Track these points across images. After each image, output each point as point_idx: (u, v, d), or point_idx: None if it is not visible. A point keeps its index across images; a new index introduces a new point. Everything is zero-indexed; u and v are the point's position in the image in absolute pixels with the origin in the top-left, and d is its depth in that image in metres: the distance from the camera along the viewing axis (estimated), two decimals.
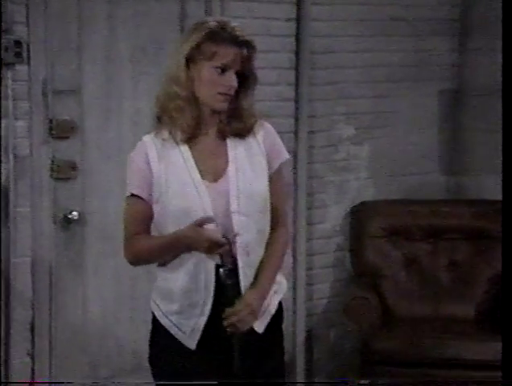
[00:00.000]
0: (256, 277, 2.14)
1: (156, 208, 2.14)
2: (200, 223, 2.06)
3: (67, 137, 3.34)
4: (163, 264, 2.17)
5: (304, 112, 3.96)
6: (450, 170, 4.41)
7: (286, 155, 2.24)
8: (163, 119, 2.14)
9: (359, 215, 4.11)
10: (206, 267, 2.12)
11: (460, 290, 3.88)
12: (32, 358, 3.31)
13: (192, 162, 2.13)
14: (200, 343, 2.14)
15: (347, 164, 4.18)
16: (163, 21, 3.53)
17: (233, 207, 2.11)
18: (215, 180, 2.13)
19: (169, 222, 2.12)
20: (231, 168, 2.14)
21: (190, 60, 2.11)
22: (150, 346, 2.22)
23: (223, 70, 2.11)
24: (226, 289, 2.11)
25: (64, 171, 3.32)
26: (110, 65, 3.43)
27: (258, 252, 2.16)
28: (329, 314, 4.10)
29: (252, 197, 2.14)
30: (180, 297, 2.14)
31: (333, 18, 4.02)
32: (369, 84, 4.20)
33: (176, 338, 2.15)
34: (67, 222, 3.35)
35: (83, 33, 3.35)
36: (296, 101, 3.95)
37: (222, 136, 2.17)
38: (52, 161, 3.31)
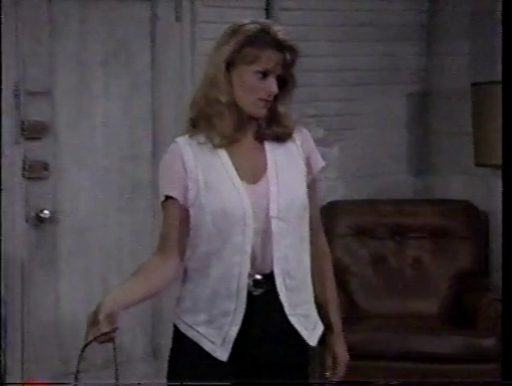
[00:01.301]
0: (326, 315, 2.06)
1: (192, 211, 2.00)
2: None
3: (39, 138, 3.33)
4: (187, 275, 2.03)
5: None
6: (418, 171, 4.42)
7: (322, 163, 2.13)
8: (199, 123, 2.01)
9: (327, 214, 4.09)
10: (239, 273, 1.98)
11: (424, 287, 3.88)
12: (4, 354, 3.29)
13: (230, 164, 2.00)
14: (231, 355, 1.98)
15: None
16: (134, 25, 3.53)
17: (273, 212, 1.98)
18: (254, 182, 2.01)
19: (207, 225, 1.98)
20: (270, 171, 2.02)
21: (230, 64, 1.98)
22: (173, 362, 2.04)
23: (264, 75, 1.98)
24: (255, 300, 1.97)
25: (35, 171, 3.31)
26: (82, 68, 3.42)
27: (297, 259, 2.01)
28: None
29: (292, 202, 2.01)
30: (208, 306, 1.99)
31: (302, 24, 4.01)
32: (338, 88, 4.20)
33: (205, 351, 1.99)
34: (39, 221, 3.34)
35: (55, 36, 3.34)
36: None
37: (260, 139, 2.05)
38: (24, 161, 3.30)
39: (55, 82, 3.36)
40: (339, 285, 3.85)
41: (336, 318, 2.12)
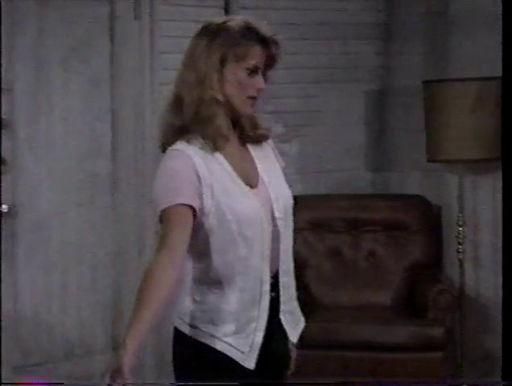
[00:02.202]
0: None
1: (208, 220, 1.90)
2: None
3: None
4: (205, 288, 1.92)
5: None
6: (375, 167, 4.46)
7: (282, 163, 2.10)
8: (191, 128, 1.92)
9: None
10: (261, 278, 1.93)
11: (378, 279, 3.92)
12: None
13: (231, 169, 1.94)
14: (258, 362, 1.93)
15: None
16: (93, 23, 3.52)
17: (278, 213, 1.95)
18: (254, 186, 1.96)
19: (232, 232, 1.90)
20: (262, 174, 1.98)
21: (222, 63, 1.92)
22: (201, 375, 1.92)
23: (252, 71, 1.94)
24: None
25: None
26: (41, 64, 3.42)
27: (291, 258, 2.01)
28: None
29: (286, 202, 2.00)
30: (237, 316, 1.92)
31: None
32: (297, 85, 4.22)
33: (233, 360, 1.92)
34: None
35: (13, 33, 3.33)
36: None
37: (243, 142, 2.00)
38: None
39: (14, 79, 3.35)
40: (296, 278, 3.93)
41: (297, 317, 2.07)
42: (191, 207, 1.88)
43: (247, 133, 1.98)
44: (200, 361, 1.92)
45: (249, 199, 1.92)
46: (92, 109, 3.59)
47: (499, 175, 3.86)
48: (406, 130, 4.33)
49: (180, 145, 1.92)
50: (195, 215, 1.89)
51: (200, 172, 1.90)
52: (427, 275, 3.90)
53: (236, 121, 1.96)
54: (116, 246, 3.68)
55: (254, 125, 1.99)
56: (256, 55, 1.93)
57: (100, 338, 3.70)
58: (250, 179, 1.96)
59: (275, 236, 1.94)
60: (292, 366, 2.06)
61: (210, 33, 1.95)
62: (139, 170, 3.72)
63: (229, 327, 1.92)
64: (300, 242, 4.03)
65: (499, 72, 3.76)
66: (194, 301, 1.93)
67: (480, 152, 3.71)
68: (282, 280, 1.97)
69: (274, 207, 1.95)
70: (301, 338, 2.05)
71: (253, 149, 2.01)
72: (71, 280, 3.46)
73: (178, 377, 1.96)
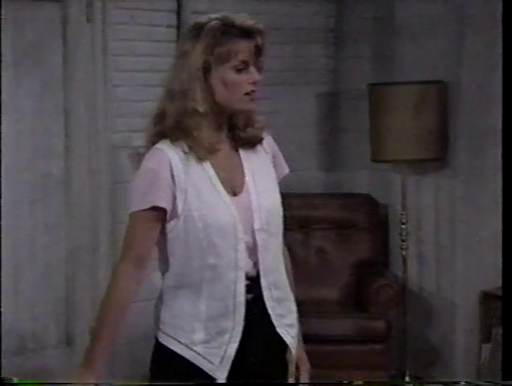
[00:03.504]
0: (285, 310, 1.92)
1: (177, 224, 1.83)
2: None
3: None
4: (175, 292, 1.87)
5: None
6: (327, 167, 4.51)
7: (287, 169, 2.02)
8: (175, 133, 1.84)
9: None
10: (236, 289, 1.85)
11: (326, 275, 3.98)
12: None
13: (214, 175, 1.86)
14: (230, 374, 1.85)
15: None
16: (45, 25, 3.53)
17: (257, 224, 1.85)
18: (236, 194, 1.87)
19: (199, 238, 1.83)
20: (249, 181, 1.88)
21: (205, 70, 1.83)
22: (169, 381, 1.86)
23: (241, 68, 1.85)
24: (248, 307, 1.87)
25: None
26: None
27: (278, 269, 1.92)
28: None
29: (272, 213, 1.89)
30: (207, 325, 1.84)
31: None
32: None
33: (202, 371, 1.84)
34: None
35: None
36: None
37: (235, 146, 1.90)
38: None
39: None
40: None
41: (297, 324, 1.99)
42: (162, 209, 1.82)
43: (239, 133, 1.90)
44: (170, 368, 1.86)
45: (225, 206, 1.84)
46: (44, 110, 3.60)
47: (441, 175, 3.94)
48: (355, 131, 4.39)
49: (162, 145, 1.85)
50: (165, 218, 1.83)
51: (176, 173, 1.83)
52: (373, 271, 3.96)
53: (230, 121, 1.88)
54: (69, 243, 3.69)
55: (247, 124, 1.91)
56: (241, 51, 1.84)
57: (53, 333, 3.70)
58: (234, 187, 1.88)
59: (253, 248, 1.85)
60: (304, 376, 1.98)
61: (191, 38, 1.86)
62: (93, 170, 3.74)
63: (199, 336, 1.85)
64: None
65: (440, 76, 3.84)
66: (166, 305, 1.89)
67: (422, 153, 3.78)
68: (269, 293, 1.88)
69: (255, 216, 1.86)
70: None
71: (245, 155, 1.91)
72: (24, 276, 3.46)
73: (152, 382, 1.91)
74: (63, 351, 3.67)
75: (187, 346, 1.85)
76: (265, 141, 1.96)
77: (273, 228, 1.89)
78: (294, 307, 1.96)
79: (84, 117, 3.66)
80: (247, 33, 1.86)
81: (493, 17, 3.85)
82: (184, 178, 1.83)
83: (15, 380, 3.08)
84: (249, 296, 1.86)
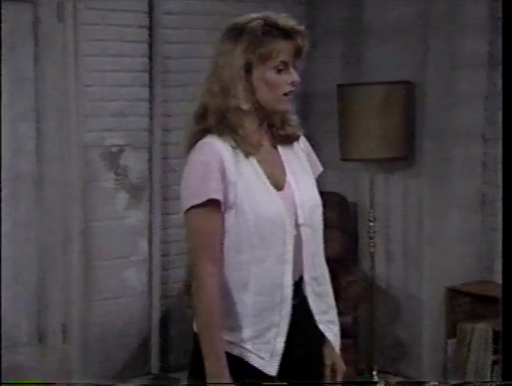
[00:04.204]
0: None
1: (228, 217, 1.81)
2: None
3: None
4: (220, 288, 1.81)
5: (159, 111, 4.00)
6: None
7: (321, 167, 2.02)
8: (220, 128, 1.83)
9: None
10: (282, 283, 1.83)
11: None
12: None
13: (261, 170, 1.85)
14: (281, 368, 1.83)
15: None
16: (17, 24, 3.52)
17: (301, 219, 1.86)
18: (280, 189, 1.87)
19: (250, 232, 1.81)
20: (290, 177, 1.89)
21: (247, 69, 1.83)
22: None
23: (281, 68, 1.85)
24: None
25: None
26: None
27: (320, 265, 1.92)
28: (185, 296, 4.15)
29: (314, 208, 1.92)
30: (254, 320, 1.82)
31: (185, 27, 4.07)
32: None
33: (254, 367, 1.82)
34: None
35: None
36: (150, 102, 3.99)
37: (274, 144, 1.91)
38: None
39: None
40: None
41: (337, 322, 1.97)
42: (217, 201, 1.80)
43: (277, 131, 1.90)
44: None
45: (274, 201, 1.83)
46: (16, 109, 3.59)
47: (408, 173, 3.98)
48: (325, 131, 4.41)
49: (210, 139, 1.84)
50: (220, 210, 1.80)
51: (227, 166, 1.81)
52: (342, 268, 3.98)
53: (268, 119, 1.88)
54: (41, 241, 3.68)
55: (284, 122, 1.90)
56: (282, 52, 1.84)
57: (24, 330, 3.69)
58: (277, 182, 1.87)
59: (298, 243, 1.85)
60: (339, 375, 1.96)
61: (232, 37, 1.87)
62: (65, 169, 3.73)
63: (247, 332, 1.82)
64: None
65: (407, 77, 3.88)
66: None
67: (389, 152, 3.82)
68: (311, 288, 1.87)
69: (299, 212, 1.86)
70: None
71: (283, 152, 1.91)
72: None
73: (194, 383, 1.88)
74: (35, 348, 3.66)
75: (235, 343, 1.82)
76: (301, 139, 1.96)
77: (316, 224, 1.91)
78: (334, 304, 1.93)
79: (56, 116, 3.65)
80: (288, 34, 1.86)
81: (456, 19, 3.91)
82: (234, 172, 1.82)
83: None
84: (293, 291, 1.84)
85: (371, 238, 3.93)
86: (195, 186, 1.80)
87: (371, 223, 3.93)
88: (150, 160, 4.01)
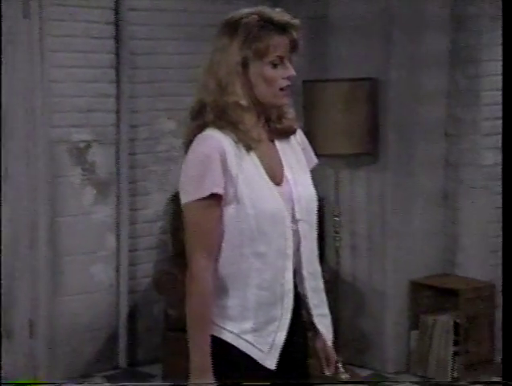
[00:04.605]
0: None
1: (229, 211, 1.80)
2: None
3: None
4: (225, 282, 1.81)
5: (125, 107, 4.00)
6: None
7: (316, 160, 2.01)
8: (220, 123, 1.82)
9: (178, 201, 4.14)
10: (284, 277, 1.82)
11: None
12: None
13: (260, 165, 1.84)
14: (280, 362, 1.83)
15: (169, 155, 4.24)
16: None
17: (298, 214, 1.85)
18: (278, 183, 1.86)
19: (251, 226, 1.80)
20: (287, 172, 1.88)
21: (244, 65, 1.81)
22: (220, 373, 1.82)
23: (277, 63, 1.83)
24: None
25: None
26: None
27: (316, 260, 1.93)
28: (152, 291, 4.15)
29: (310, 204, 1.91)
30: (256, 313, 1.82)
31: (150, 23, 4.06)
32: (188, 84, 4.24)
33: (253, 360, 1.82)
34: None
35: None
36: (117, 98, 3.98)
37: (271, 138, 1.89)
38: None
39: None
40: (184, 265, 3.98)
41: (329, 315, 1.98)
42: (219, 195, 1.78)
43: (274, 125, 1.88)
44: (219, 358, 1.82)
45: (273, 195, 1.82)
46: None
47: (372, 169, 4.01)
48: None
49: (211, 131, 1.81)
50: (220, 204, 1.78)
51: (229, 159, 1.79)
52: None
53: (265, 114, 1.86)
54: (7, 237, 3.65)
55: (281, 116, 1.88)
56: (278, 46, 1.82)
57: None
58: (276, 177, 1.86)
59: (296, 238, 1.84)
60: (333, 368, 1.96)
61: (227, 33, 1.84)
62: (31, 164, 3.71)
63: (248, 325, 1.81)
64: None
65: (370, 74, 3.91)
66: (217, 295, 1.83)
67: (353, 147, 3.85)
68: (309, 283, 1.87)
69: (296, 207, 1.85)
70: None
71: (280, 146, 1.90)
72: None
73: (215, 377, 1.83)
74: (1, 344, 3.63)
75: (237, 334, 1.82)
76: (297, 132, 1.95)
77: (312, 219, 1.89)
78: (325, 298, 1.94)
79: (23, 112, 3.62)
80: (284, 28, 1.83)
81: (419, 17, 3.95)
82: (236, 165, 1.80)
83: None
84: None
85: (337, 232, 3.96)
86: (196, 179, 1.78)
87: (336, 218, 3.96)
88: (117, 156, 4.00)
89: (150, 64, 4.11)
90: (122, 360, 4.02)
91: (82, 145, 3.93)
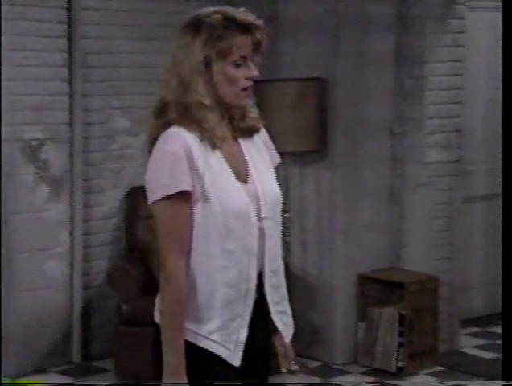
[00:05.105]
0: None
1: (196, 209, 1.77)
2: None
3: None
4: (189, 281, 1.77)
5: (79, 106, 4.00)
6: None
7: (278, 158, 1.99)
8: (185, 122, 1.79)
9: (132, 198, 4.19)
10: (248, 274, 1.81)
11: None
12: None
13: (225, 163, 1.82)
14: (243, 359, 1.81)
15: (123, 153, 4.25)
16: None
17: (264, 212, 1.83)
18: (244, 181, 1.84)
19: (218, 224, 1.77)
20: (252, 170, 1.86)
21: (207, 64, 1.79)
22: (191, 375, 1.78)
23: (240, 63, 1.81)
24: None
25: None
26: None
27: (279, 257, 1.90)
28: (106, 287, 4.16)
29: (275, 201, 1.87)
30: (221, 312, 1.80)
31: (103, 23, 4.07)
32: (142, 83, 4.26)
33: (221, 359, 1.80)
34: None
35: None
36: (70, 96, 3.98)
37: (235, 137, 1.87)
38: None
39: None
40: (138, 261, 3.99)
41: (290, 312, 1.97)
42: (187, 192, 1.76)
43: (237, 124, 1.86)
44: (187, 361, 1.78)
45: (239, 193, 1.81)
46: None
47: (321, 166, 4.08)
48: None
49: (177, 129, 1.78)
50: (190, 202, 1.76)
51: (195, 157, 1.77)
52: None
53: (229, 113, 1.85)
54: None
55: (244, 115, 1.87)
56: (241, 46, 1.80)
57: None
58: (241, 175, 1.84)
59: (261, 235, 1.83)
60: (289, 365, 1.97)
61: (190, 32, 1.81)
62: None
63: (214, 324, 1.79)
64: (144, 229, 4.09)
65: (318, 74, 3.98)
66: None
67: (302, 145, 3.91)
68: (269, 280, 1.85)
69: (262, 205, 1.83)
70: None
71: (244, 144, 1.88)
72: None
73: (158, 374, 1.81)
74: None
75: (203, 336, 1.79)
76: (261, 131, 1.95)
77: (277, 217, 1.88)
78: (287, 295, 1.93)
79: None
80: (248, 29, 1.81)
81: (366, 19, 4.02)
82: (202, 162, 1.78)
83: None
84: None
85: (287, 228, 4.02)
86: (164, 177, 1.75)
87: (286, 214, 4.01)
88: (70, 154, 4.00)
89: (104, 63, 4.12)
90: (76, 355, 4.02)
91: (35, 143, 3.92)
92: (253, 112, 1.90)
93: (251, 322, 1.83)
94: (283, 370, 1.96)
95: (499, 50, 4.55)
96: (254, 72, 1.83)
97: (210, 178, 1.78)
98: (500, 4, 4.49)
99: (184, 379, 1.76)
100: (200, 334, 1.79)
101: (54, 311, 3.99)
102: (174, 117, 1.78)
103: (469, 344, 4.26)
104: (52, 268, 3.99)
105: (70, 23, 3.92)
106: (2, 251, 3.78)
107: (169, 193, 1.74)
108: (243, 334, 1.81)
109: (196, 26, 1.81)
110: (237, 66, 1.81)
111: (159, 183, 1.75)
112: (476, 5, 4.33)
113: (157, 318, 1.81)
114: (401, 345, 3.86)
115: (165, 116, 1.80)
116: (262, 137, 1.94)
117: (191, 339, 1.78)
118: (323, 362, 4.03)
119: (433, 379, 3.83)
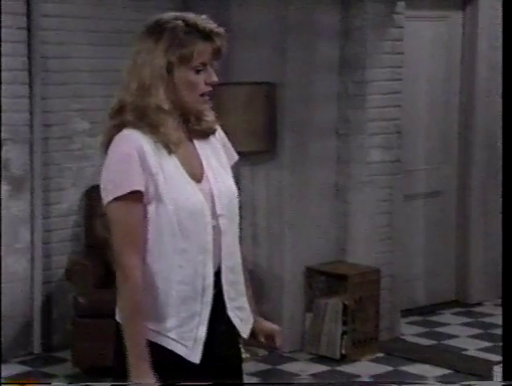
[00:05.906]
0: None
1: (149, 209, 1.78)
2: None
3: None
4: (147, 281, 1.78)
5: (38, 108, 4.07)
6: None
7: (236, 156, 2.00)
8: (140, 124, 1.79)
9: (91, 196, 4.27)
10: (204, 272, 1.81)
11: None
12: None
13: (179, 163, 1.83)
14: (203, 356, 1.81)
15: (83, 153, 4.33)
16: None
17: (219, 210, 1.84)
18: (198, 181, 1.85)
19: (171, 223, 1.78)
20: (207, 170, 1.87)
21: (168, 69, 1.79)
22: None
23: (200, 69, 1.83)
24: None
25: None
26: None
27: (236, 254, 1.90)
28: (66, 281, 4.24)
29: (231, 200, 1.89)
30: (178, 309, 1.80)
31: (62, 29, 4.15)
32: (101, 86, 4.33)
33: (179, 356, 1.80)
34: None
35: None
36: (30, 98, 4.05)
37: (190, 138, 1.88)
38: None
39: None
40: (96, 256, 4.07)
41: (254, 304, 1.99)
42: (140, 192, 1.76)
43: (193, 126, 1.87)
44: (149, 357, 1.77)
45: (193, 192, 1.82)
46: None
47: (271, 166, 4.22)
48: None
49: (130, 131, 1.79)
50: (142, 202, 1.77)
51: (148, 158, 1.78)
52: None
53: (183, 116, 1.85)
54: None
55: (199, 118, 1.88)
56: (202, 53, 1.81)
57: None
58: (196, 175, 1.85)
59: (217, 233, 1.83)
60: (279, 341, 1.99)
61: (152, 36, 1.81)
62: None
63: (171, 321, 1.79)
64: (102, 226, 4.18)
65: (268, 78, 4.11)
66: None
67: (253, 145, 4.04)
68: (226, 277, 1.85)
69: (217, 203, 1.84)
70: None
71: (199, 145, 1.89)
72: None
73: (119, 373, 1.80)
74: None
75: (161, 333, 1.80)
76: (217, 131, 1.96)
77: (233, 214, 1.89)
78: (244, 290, 1.93)
79: None
80: (209, 36, 1.83)
81: (312, 26, 4.17)
82: (155, 163, 1.79)
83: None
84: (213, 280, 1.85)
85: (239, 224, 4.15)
86: (117, 178, 1.77)
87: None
88: (30, 153, 4.07)
89: (63, 68, 4.21)
90: (37, 346, 4.10)
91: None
92: (210, 116, 1.92)
93: (212, 318, 1.83)
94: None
95: (437, 56, 4.77)
96: (214, 78, 1.86)
97: (163, 178, 1.79)
98: (436, 14, 4.71)
99: (150, 375, 1.76)
100: (159, 332, 1.80)
101: (15, 304, 4.06)
102: (129, 120, 1.80)
103: (410, 332, 4.44)
104: (13, 263, 4.06)
105: (29, 29, 4.00)
106: None
107: (121, 193, 1.76)
108: (202, 331, 1.81)
109: (158, 31, 1.82)
110: (198, 72, 1.82)
111: (112, 184, 1.77)
112: (413, 14, 4.51)
113: (118, 316, 1.83)
114: (344, 333, 4.02)
115: (120, 117, 1.81)
116: (219, 137, 1.96)
117: (151, 337, 1.79)
118: (272, 350, 4.16)
119: (374, 365, 4.00)
